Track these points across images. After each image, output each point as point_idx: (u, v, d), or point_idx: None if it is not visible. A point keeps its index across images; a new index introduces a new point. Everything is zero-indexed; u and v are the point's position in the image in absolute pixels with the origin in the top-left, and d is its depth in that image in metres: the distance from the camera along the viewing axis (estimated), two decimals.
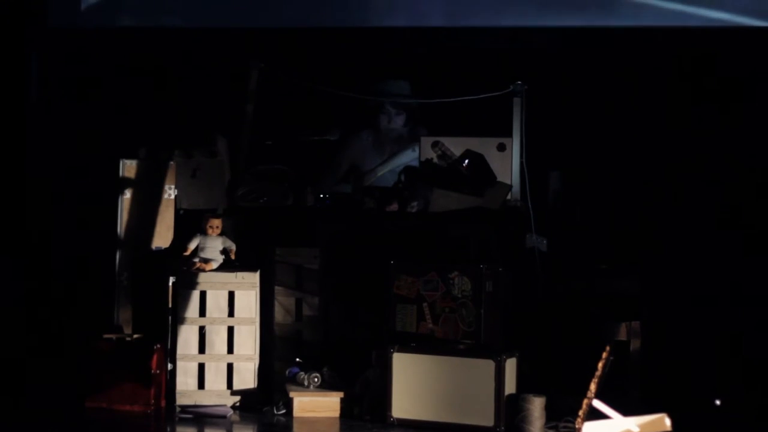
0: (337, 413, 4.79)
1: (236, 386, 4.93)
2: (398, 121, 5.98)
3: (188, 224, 5.11)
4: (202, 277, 4.95)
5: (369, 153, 6.01)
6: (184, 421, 4.81)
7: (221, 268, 4.99)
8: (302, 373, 4.89)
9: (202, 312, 4.95)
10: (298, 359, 4.99)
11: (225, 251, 5.01)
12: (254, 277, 4.97)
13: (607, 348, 3.80)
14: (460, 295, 4.71)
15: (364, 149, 6.02)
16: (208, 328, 4.94)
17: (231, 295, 4.96)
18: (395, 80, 6.01)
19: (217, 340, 4.94)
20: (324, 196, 5.28)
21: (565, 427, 4.53)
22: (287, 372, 4.96)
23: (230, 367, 4.94)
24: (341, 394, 4.80)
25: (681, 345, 5.17)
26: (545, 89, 5.44)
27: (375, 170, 5.80)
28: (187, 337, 4.94)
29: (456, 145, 5.24)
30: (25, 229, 5.66)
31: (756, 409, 4.79)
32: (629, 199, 5.60)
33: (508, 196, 5.22)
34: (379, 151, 5.99)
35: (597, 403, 3.70)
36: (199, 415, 4.84)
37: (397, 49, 5.93)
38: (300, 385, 4.87)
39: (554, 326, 4.94)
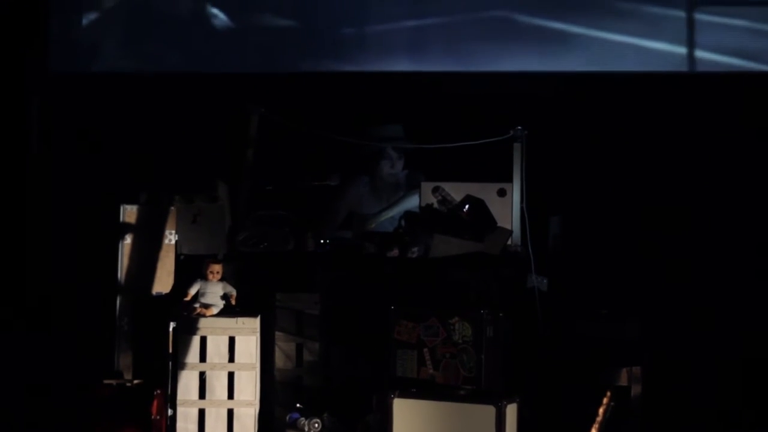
0: None
1: None
2: (400, 166, 6.00)
3: (189, 269, 5.09)
4: (203, 323, 4.94)
5: (367, 199, 6.00)
6: None
7: (222, 313, 4.97)
8: (303, 418, 4.87)
9: (203, 357, 4.92)
10: (298, 405, 4.97)
11: (225, 296, 5.00)
12: (255, 323, 4.96)
13: (608, 393, 3.80)
14: (460, 341, 4.70)
15: (361, 195, 6.01)
16: (208, 374, 4.92)
17: (231, 340, 4.93)
18: (390, 124, 6.03)
19: (218, 385, 4.91)
20: (324, 241, 5.28)
21: None
22: (288, 418, 4.93)
23: (230, 412, 4.89)
24: None
25: (682, 391, 5.17)
26: (545, 134, 5.45)
27: (377, 216, 5.81)
28: (187, 383, 4.91)
29: (456, 191, 5.25)
30: (25, 275, 5.68)
31: None
32: (630, 244, 5.61)
33: (509, 242, 5.22)
34: (377, 197, 5.98)
35: None
36: None
37: (397, 94, 5.96)
38: (300, 430, 4.85)
39: (555, 371, 4.93)
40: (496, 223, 5.22)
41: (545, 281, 5.16)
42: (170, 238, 5.30)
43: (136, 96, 6.02)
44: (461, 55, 5.99)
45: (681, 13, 5.98)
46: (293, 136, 5.65)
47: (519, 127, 5.31)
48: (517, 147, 5.31)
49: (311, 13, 6.21)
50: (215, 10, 6.25)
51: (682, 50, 5.93)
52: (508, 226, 5.27)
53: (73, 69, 6.16)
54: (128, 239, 5.28)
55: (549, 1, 6.04)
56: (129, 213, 5.34)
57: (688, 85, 5.84)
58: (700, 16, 5.95)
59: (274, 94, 5.79)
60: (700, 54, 5.95)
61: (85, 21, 6.29)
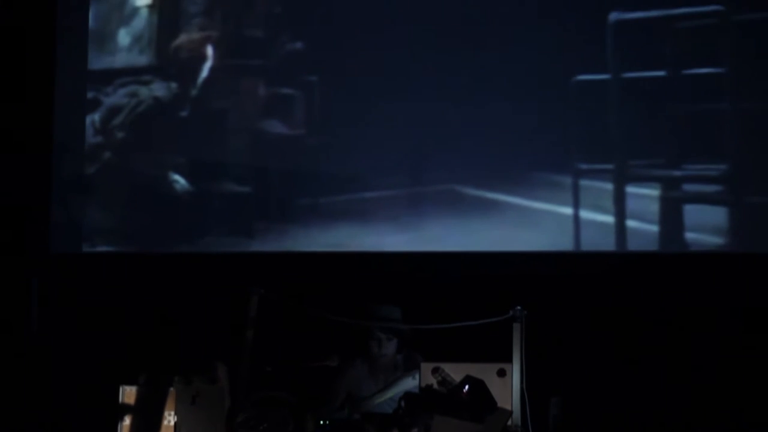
0: None
1: None
2: (389, 348, 5.97)
3: None
4: None
5: (365, 380, 5.98)
6: None
7: None
8: None
9: None
10: None
11: None
12: None
13: None
14: None
15: (359, 377, 6.00)
16: None
17: None
18: (385, 305, 6.07)
19: None
20: (324, 422, 5.24)
21: None
22: None
23: None
24: None
25: None
26: (546, 313, 5.48)
27: (373, 398, 5.78)
28: None
29: (456, 371, 5.23)
30: None
31: None
32: (633, 427, 5.60)
33: (509, 422, 5.19)
34: (374, 379, 5.96)
35: None
36: None
37: (395, 274, 6.04)
38: None
39: None
40: (496, 403, 5.20)
41: None
42: (169, 419, 5.25)
43: (135, 276, 6.10)
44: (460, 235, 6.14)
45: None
46: (293, 315, 5.69)
47: (518, 307, 5.35)
48: (516, 327, 5.32)
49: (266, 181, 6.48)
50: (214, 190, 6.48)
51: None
52: (508, 407, 5.24)
53: (75, 250, 6.26)
54: (127, 420, 5.24)
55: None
56: (128, 394, 5.31)
57: (685, 266, 5.93)
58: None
59: (275, 275, 5.87)
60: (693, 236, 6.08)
61: (84, 203, 6.45)
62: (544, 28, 6.17)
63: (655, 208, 6.04)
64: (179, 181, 6.52)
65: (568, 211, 6.11)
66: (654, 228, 6.03)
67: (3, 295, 6.07)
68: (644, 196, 6.06)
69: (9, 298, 6.04)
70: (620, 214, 6.05)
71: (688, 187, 6.04)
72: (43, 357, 5.96)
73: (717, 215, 5.95)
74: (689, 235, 6.00)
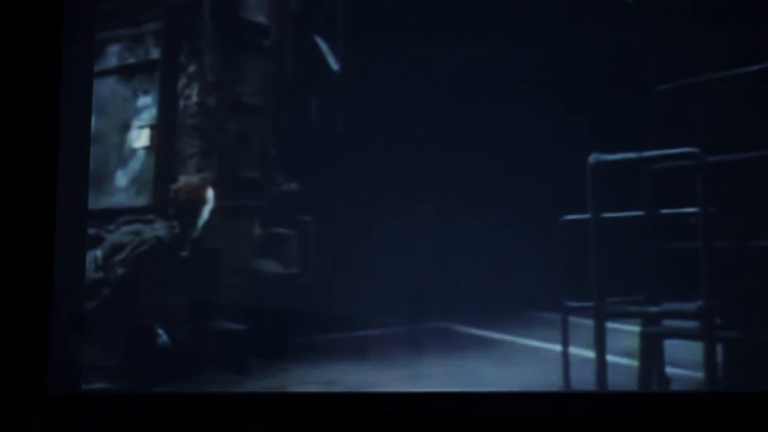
0: None
1: None
2: None
3: None
4: None
5: None
6: None
7: None
8: None
9: None
10: None
11: None
12: None
13: None
14: None
15: None
16: None
17: None
18: None
19: None
20: None
21: None
22: None
23: None
24: None
25: None
26: None
27: None
28: None
29: None
30: None
31: None
32: None
33: None
34: None
35: None
36: None
37: (395, 414, 6.13)
38: None
39: None
40: None
41: None
42: None
43: (132, 417, 6.17)
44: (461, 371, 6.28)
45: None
46: None
47: None
48: None
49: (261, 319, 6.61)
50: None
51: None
52: None
53: (74, 390, 6.35)
54: None
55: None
56: None
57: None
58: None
59: (274, 414, 5.97)
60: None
61: (82, 342, 6.54)
62: (532, 168, 6.39)
63: (635, 343, 6.21)
64: (176, 319, 6.64)
65: (557, 347, 6.27)
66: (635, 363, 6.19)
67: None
68: (625, 331, 6.24)
69: None
70: (601, 350, 6.22)
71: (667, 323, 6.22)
72: None
73: (695, 350, 6.11)
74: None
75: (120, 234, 6.93)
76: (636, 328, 6.21)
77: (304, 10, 6.98)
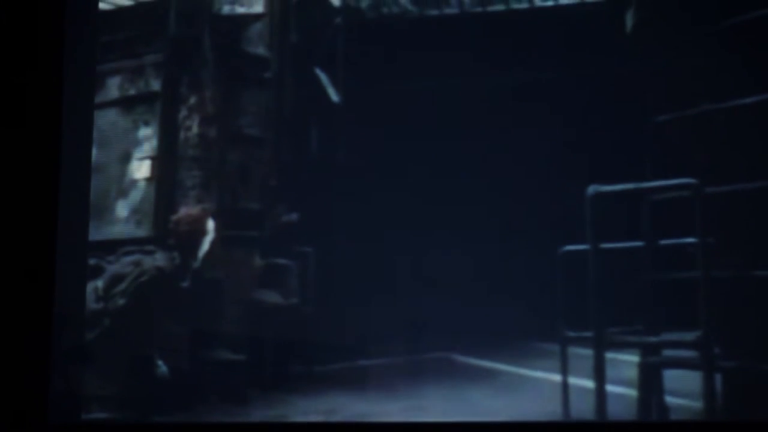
0: None
1: None
2: None
3: None
4: None
5: None
6: None
7: None
8: None
9: None
10: None
11: None
12: None
13: None
14: None
15: None
16: None
17: None
18: None
19: None
20: None
21: None
22: None
23: None
24: None
25: None
26: None
27: None
28: None
29: None
30: None
31: None
32: None
33: None
34: None
35: None
36: None
37: None
38: None
39: None
40: None
41: None
42: None
43: None
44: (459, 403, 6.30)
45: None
46: None
47: None
48: None
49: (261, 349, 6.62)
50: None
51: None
52: None
53: (74, 420, 6.35)
54: None
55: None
56: None
57: None
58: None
59: None
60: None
61: (83, 372, 6.55)
62: (532, 199, 6.44)
63: (634, 373, 6.24)
64: (176, 349, 6.66)
65: (557, 377, 6.30)
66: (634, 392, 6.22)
67: None
68: (624, 361, 6.27)
69: None
70: (601, 379, 6.24)
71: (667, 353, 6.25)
72: None
73: (694, 380, 6.14)
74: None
75: (120, 264, 6.95)
76: (635, 358, 6.26)
77: (304, 43, 7.05)
